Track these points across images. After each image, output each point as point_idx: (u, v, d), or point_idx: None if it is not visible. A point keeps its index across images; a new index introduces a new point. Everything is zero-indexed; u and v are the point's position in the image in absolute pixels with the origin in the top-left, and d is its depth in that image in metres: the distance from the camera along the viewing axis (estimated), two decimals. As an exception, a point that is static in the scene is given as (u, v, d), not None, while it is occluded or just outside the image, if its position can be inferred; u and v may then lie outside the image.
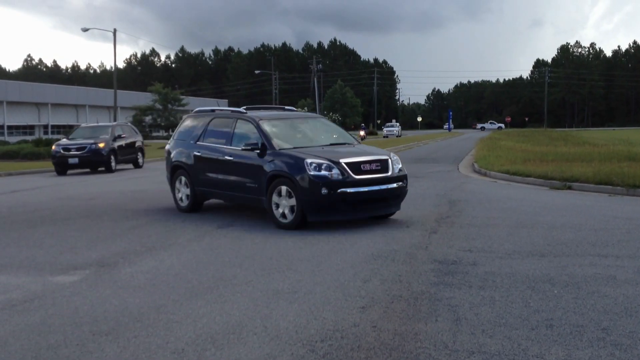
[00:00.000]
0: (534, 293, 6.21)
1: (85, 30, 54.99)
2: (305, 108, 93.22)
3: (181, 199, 12.69)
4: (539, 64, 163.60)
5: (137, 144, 29.39)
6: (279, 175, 10.28)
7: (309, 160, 9.97)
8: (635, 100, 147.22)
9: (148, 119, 63.66)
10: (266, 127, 11.18)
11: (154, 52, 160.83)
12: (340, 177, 9.86)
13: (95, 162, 25.87)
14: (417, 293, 6.31)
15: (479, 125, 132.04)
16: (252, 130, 11.26)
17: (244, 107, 12.88)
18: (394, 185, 10.48)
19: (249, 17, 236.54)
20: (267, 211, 10.63)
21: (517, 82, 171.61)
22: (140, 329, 5.34)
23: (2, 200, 16.28)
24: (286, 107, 13.81)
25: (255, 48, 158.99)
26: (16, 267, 7.93)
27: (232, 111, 12.63)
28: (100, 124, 33.19)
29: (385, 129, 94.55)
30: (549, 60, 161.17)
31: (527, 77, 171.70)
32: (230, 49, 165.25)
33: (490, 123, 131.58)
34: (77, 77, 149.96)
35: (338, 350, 4.74)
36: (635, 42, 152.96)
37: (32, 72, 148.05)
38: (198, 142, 12.32)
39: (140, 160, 29.44)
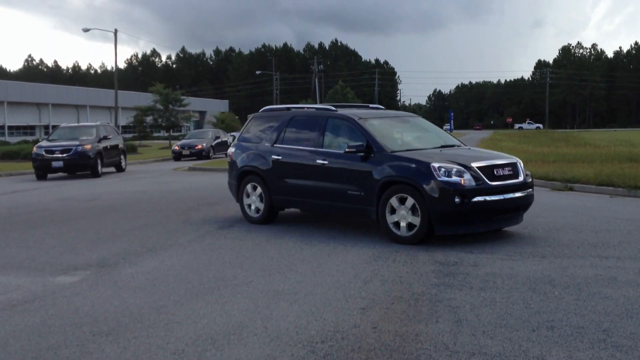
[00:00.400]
0: (534, 294, 6.20)
1: (86, 30, 55.03)
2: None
3: (252, 209, 11.09)
4: (540, 65, 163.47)
5: (119, 146, 27.29)
6: (396, 182, 8.92)
7: (436, 165, 8.63)
8: (637, 101, 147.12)
9: (149, 119, 63.59)
10: (369, 126, 9.81)
11: (154, 53, 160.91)
12: (474, 183, 8.56)
13: (81, 165, 23.73)
14: (418, 294, 6.30)
15: (516, 126, 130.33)
16: (349, 131, 9.91)
17: (328, 104, 11.24)
18: (526, 192, 9.28)
19: (250, 17, 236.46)
20: (377, 223, 9.30)
21: (519, 83, 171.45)
22: (141, 330, 5.34)
23: (2, 200, 16.29)
24: (371, 105, 12.11)
25: (256, 48, 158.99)
26: (16, 268, 7.93)
27: (318, 109, 11.07)
28: (81, 124, 31.25)
29: None
30: (550, 61, 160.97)
31: (528, 78, 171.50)
32: (231, 50, 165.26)
33: (529, 123, 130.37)
34: (78, 77, 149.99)
35: (338, 351, 4.73)
36: (636, 43, 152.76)
37: (33, 72, 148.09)
38: (276, 145, 10.80)
39: (123, 164, 27.33)
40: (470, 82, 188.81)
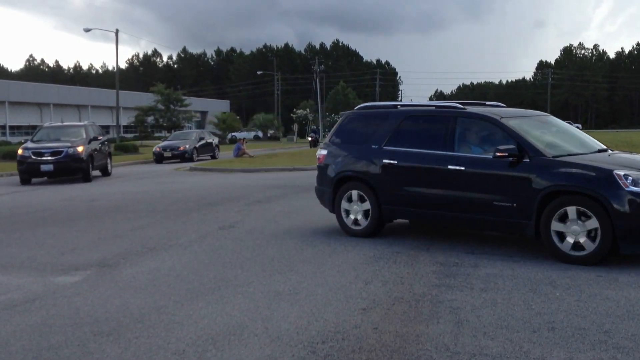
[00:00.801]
0: (535, 295, 6.19)
1: (87, 30, 55.07)
2: (308, 109, 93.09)
3: (354, 220, 9.65)
4: (542, 66, 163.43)
5: (107, 149, 25.36)
6: (567, 193, 7.60)
7: (620, 172, 7.39)
8: (639, 102, 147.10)
9: (150, 119, 63.69)
10: (515, 127, 8.46)
11: (156, 53, 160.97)
12: None
13: (73, 169, 21.62)
14: (419, 295, 6.30)
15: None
16: (490, 132, 8.64)
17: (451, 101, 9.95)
18: None
19: (250, 17, 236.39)
20: (533, 239, 8.07)
21: (520, 83, 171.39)
22: (141, 330, 5.34)
23: (3, 200, 16.30)
24: (487, 103, 10.22)
25: (257, 49, 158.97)
26: (17, 268, 7.94)
27: (439, 107, 9.48)
28: (67, 123, 27.93)
29: None
30: (552, 62, 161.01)
31: (530, 79, 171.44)
32: (232, 50, 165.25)
33: (568, 123, 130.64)
34: (79, 77, 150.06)
35: (339, 352, 4.73)
36: (638, 44, 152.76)
37: (34, 72, 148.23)
38: (386, 147, 9.34)
39: (109, 167, 25.28)
40: (471, 83, 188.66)
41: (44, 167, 21.15)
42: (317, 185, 10.59)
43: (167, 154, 34.72)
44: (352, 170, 9.71)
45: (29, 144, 22.09)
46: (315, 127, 65.23)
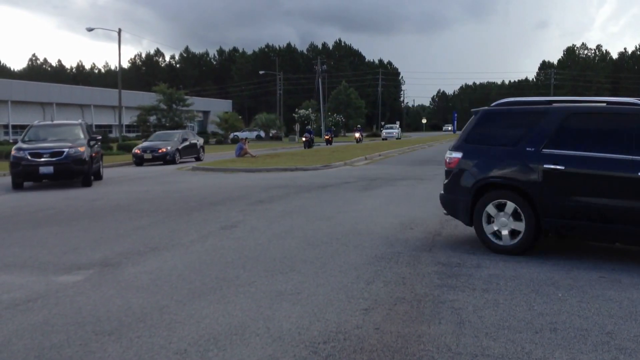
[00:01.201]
0: (538, 296, 6.19)
1: (90, 30, 55.14)
2: (310, 109, 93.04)
3: (500, 234, 8.32)
4: (545, 66, 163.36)
5: (99, 151, 23.22)
6: None
7: None
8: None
9: (153, 119, 63.74)
10: None
11: (158, 53, 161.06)
12: None
13: (75, 171, 19.47)
14: (421, 295, 6.29)
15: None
16: None
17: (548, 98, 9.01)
18: None
19: (252, 17, 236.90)
20: None
21: (523, 83, 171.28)
22: (143, 329, 5.34)
23: (6, 200, 16.32)
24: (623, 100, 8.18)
25: (259, 48, 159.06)
26: (19, 267, 7.94)
27: (611, 103, 8.14)
28: (60, 121, 24.96)
29: (384, 131, 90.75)
30: (555, 62, 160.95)
31: (532, 79, 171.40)
32: (235, 50, 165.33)
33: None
34: (82, 76, 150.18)
35: (341, 352, 4.73)
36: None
37: (37, 71, 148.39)
38: (546, 150, 8.00)
39: (101, 171, 23.03)
40: (474, 83, 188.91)
41: (43, 170, 18.88)
42: (445, 193, 9.22)
43: (148, 155, 32.54)
44: (500, 177, 8.37)
45: (22, 144, 19.74)
46: (310, 127, 64.59)
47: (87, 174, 19.81)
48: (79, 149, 19.47)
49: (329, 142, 62.48)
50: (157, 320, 5.59)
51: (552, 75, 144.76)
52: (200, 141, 37.80)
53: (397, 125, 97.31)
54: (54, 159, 18.99)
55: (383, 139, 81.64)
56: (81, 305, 6.12)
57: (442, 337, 5.04)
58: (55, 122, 24.74)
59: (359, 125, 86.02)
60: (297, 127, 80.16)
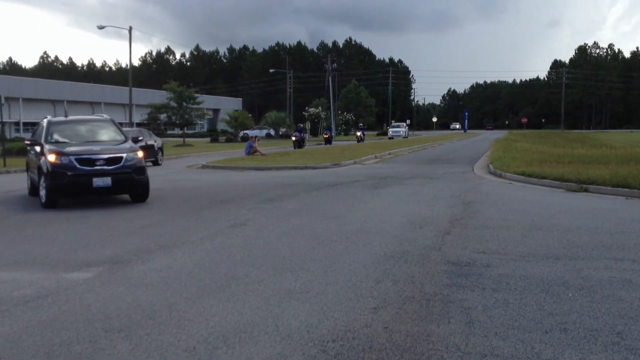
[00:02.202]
0: (548, 296, 6.16)
1: (101, 27, 55.30)
2: (320, 108, 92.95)
3: None
4: (556, 65, 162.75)
5: None
6: None
7: None
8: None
9: (163, 116, 63.90)
10: None
11: (169, 50, 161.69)
12: None
13: (136, 184, 14.26)
14: (430, 294, 6.27)
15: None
16: None
17: None
18: None
19: (262, 15, 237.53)
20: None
21: (534, 82, 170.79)
22: (153, 327, 5.35)
23: (16, 196, 16.39)
24: None
25: (270, 47, 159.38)
26: (30, 264, 7.98)
27: None
28: (80, 117, 18.30)
29: (390, 130, 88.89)
30: (567, 61, 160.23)
31: (544, 78, 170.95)
32: (245, 48, 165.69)
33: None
34: (93, 74, 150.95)
35: (349, 351, 4.72)
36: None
37: (48, 69, 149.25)
38: None
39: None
40: (485, 82, 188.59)
41: (97, 182, 13.45)
42: None
43: None
44: None
45: (58, 147, 14.04)
46: (302, 125, 60.22)
47: (145, 187, 14.65)
48: (138, 153, 14.35)
49: (327, 141, 60.28)
50: (166, 318, 5.60)
51: (563, 74, 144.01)
52: (158, 142, 32.65)
53: (405, 124, 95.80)
54: (111, 167, 13.59)
55: (390, 138, 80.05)
56: (91, 303, 6.14)
57: (451, 336, 5.02)
58: (78, 117, 17.61)
59: (360, 124, 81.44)
60: (307, 125, 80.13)
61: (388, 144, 53.58)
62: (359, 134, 66.74)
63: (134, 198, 14.62)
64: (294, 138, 49.70)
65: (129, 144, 14.96)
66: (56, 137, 14.96)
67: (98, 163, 13.55)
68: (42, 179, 13.58)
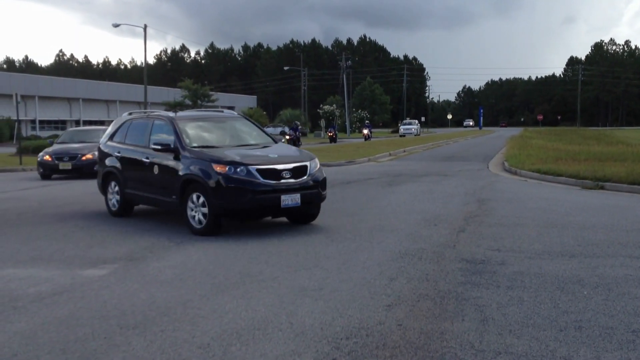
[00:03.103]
0: (563, 294, 6.12)
1: (116, 26, 55.51)
2: (335, 105, 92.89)
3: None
4: (572, 62, 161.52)
5: None
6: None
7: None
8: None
9: (178, 114, 64.14)
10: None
11: (183, 48, 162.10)
12: None
13: (319, 201, 10.82)
14: (444, 292, 6.26)
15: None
16: None
17: None
18: None
19: (276, 13, 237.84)
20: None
21: (550, 79, 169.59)
22: (167, 323, 5.38)
23: (33, 194, 16.52)
24: None
25: (284, 44, 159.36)
26: (46, 261, 8.04)
27: None
28: (208, 112, 14.10)
29: (401, 127, 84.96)
30: (583, 58, 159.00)
31: (560, 75, 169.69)
32: (260, 45, 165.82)
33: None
34: (108, 72, 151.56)
35: (363, 348, 4.72)
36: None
37: (64, 67, 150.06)
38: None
39: None
40: (500, 79, 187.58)
41: (286, 201, 9.86)
42: None
43: (65, 165, 21.01)
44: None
45: (231, 154, 10.24)
46: (297, 122, 52.67)
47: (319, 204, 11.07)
48: (317, 161, 10.93)
49: (332, 139, 57.22)
50: (180, 315, 5.62)
51: (579, 71, 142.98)
52: None
53: (416, 121, 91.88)
54: (297, 180, 10.16)
55: (401, 136, 77.40)
56: (106, 299, 6.18)
57: (465, 334, 5.01)
58: (205, 113, 13.79)
59: (367, 121, 76.21)
60: (322, 122, 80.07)
61: (402, 141, 53.45)
62: (365, 131, 62.25)
63: (303, 219, 10.92)
64: (287, 137, 42.54)
65: (295, 148, 12.14)
66: (195, 139, 10.99)
67: (284, 175, 10.03)
68: (200, 197, 9.93)
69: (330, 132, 58.67)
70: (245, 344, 4.86)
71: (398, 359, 4.52)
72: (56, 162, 21.07)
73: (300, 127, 47.41)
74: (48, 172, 21.34)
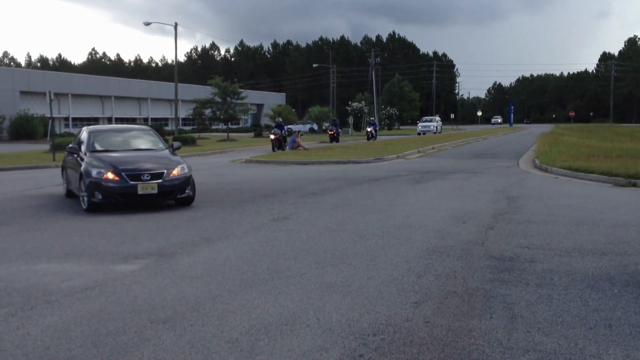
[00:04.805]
0: (593, 292, 6.07)
1: (147, 24, 56.02)
2: (363, 102, 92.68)
3: None
4: (605, 57, 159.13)
5: None
6: None
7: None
8: None
9: (208, 112, 64.53)
10: None
11: (213, 46, 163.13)
12: None
13: None
14: (472, 289, 6.24)
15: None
16: None
17: None
18: None
19: (304, 10, 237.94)
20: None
21: (582, 75, 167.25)
22: (197, 318, 5.44)
23: (60, 190, 16.75)
24: None
25: (313, 41, 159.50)
26: (79, 256, 8.18)
27: None
28: None
29: (420, 125, 76.50)
30: (616, 53, 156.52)
31: (592, 71, 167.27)
32: (289, 43, 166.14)
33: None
34: (140, 70, 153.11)
35: (390, 345, 4.73)
36: None
37: (97, 65, 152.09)
38: None
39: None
40: (531, 75, 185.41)
41: None
42: None
43: (146, 187, 12.26)
44: None
45: None
46: (280, 120, 42.49)
47: None
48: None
49: (334, 138, 49.42)
50: (210, 310, 5.69)
51: (612, 67, 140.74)
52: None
53: (437, 118, 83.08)
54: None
55: (418, 134, 69.56)
56: (137, 294, 6.28)
57: (493, 331, 4.99)
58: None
59: (372, 118, 66.97)
60: (350, 120, 79.94)
61: (432, 138, 53.16)
62: (369, 129, 54.18)
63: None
64: (272, 136, 38.35)
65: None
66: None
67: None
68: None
69: (331, 131, 50.33)
70: (273, 339, 4.90)
71: (425, 356, 4.53)
72: (131, 182, 12.26)
73: (284, 125, 42.06)
74: (112, 198, 12.32)
